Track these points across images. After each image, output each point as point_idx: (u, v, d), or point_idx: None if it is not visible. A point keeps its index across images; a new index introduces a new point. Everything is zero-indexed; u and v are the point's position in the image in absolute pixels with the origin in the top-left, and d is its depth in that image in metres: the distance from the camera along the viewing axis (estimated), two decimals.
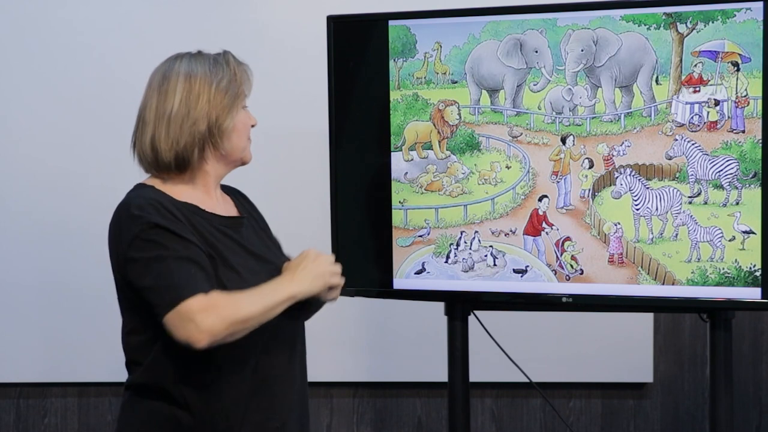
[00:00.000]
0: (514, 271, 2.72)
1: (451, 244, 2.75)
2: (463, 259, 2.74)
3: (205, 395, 2.04)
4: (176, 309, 1.92)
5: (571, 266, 2.67)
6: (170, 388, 2.03)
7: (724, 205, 2.54)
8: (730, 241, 2.54)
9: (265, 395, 2.09)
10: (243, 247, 2.11)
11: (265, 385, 2.08)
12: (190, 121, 2.05)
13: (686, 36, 2.53)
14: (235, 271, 2.05)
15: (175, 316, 1.92)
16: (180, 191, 2.09)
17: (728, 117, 2.52)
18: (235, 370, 2.05)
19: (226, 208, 2.17)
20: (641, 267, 2.61)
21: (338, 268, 2.14)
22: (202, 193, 2.12)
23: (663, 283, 2.59)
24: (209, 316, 1.91)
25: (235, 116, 2.10)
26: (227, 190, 2.25)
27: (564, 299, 2.68)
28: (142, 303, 2.00)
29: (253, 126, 2.18)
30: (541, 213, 2.68)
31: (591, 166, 2.64)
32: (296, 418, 2.16)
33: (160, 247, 1.97)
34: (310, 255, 2.11)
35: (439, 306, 2.85)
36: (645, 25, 2.56)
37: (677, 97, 2.56)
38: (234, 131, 2.10)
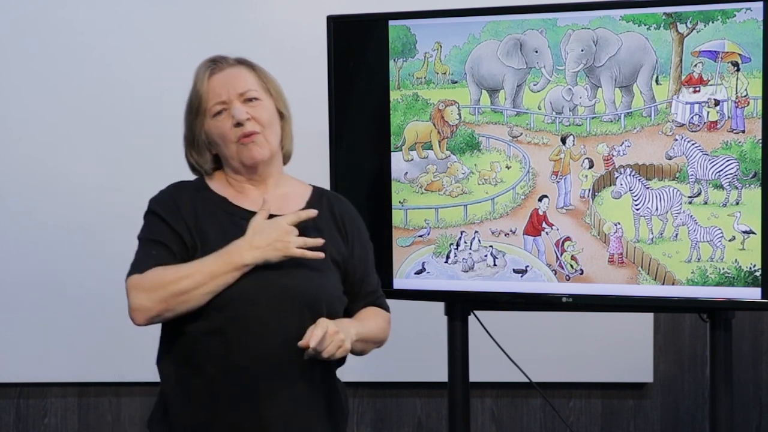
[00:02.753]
0: (514, 271, 2.72)
1: (451, 244, 2.75)
2: (463, 259, 2.74)
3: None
4: (126, 285, 2.08)
5: (571, 266, 2.67)
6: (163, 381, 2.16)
7: (724, 205, 2.54)
8: (730, 241, 2.54)
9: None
10: None
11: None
12: (183, 137, 2.25)
13: (686, 36, 2.53)
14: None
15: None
16: (218, 186, 2.22)
17: (728, 117, 2.52)
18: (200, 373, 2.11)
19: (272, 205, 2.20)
20: (641, 267, 2.61)
21: (296, 237, 2.10)
22: (234, 190, 2.21)
23: (663, 283, 2.59)
24: (138, 294, 2.04)
25: (206, 127, 2.19)
26: (319, 196, 2.27)
27: (564, 299, 2.68)
28: None
29: (238, 125, 2.16)
30: (541, 213, 2.68)
31: (591, 166, 2.64)
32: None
33: (145, 229, 2.16)
34: (272, 220, 2.13)
35: (439, 306, 2.85)
36: (645, 25, 2.56)
37: (677, 97, 2.56)
38: (214, 141, 2.20)
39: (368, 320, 2.23)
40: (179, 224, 2.13)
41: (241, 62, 2.22)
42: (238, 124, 2.15)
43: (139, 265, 2.08)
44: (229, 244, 2.07)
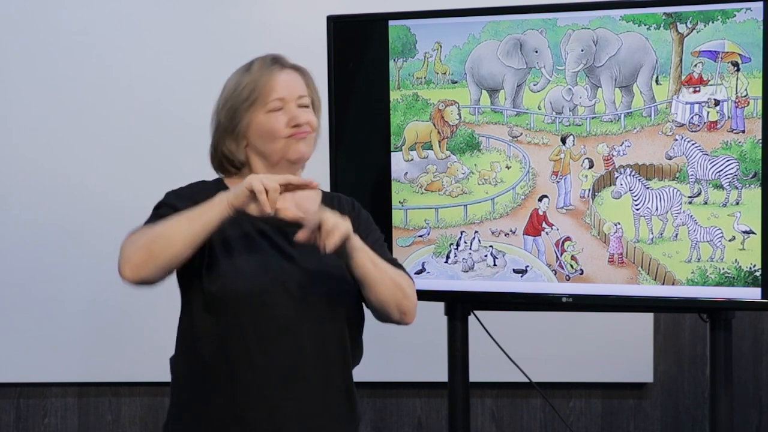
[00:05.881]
0: (514, 271, 2.72)
1: (451, 244, 2.75)
2: (463, 259, 2.74)
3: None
4: None
5: (571, 266, 2.67)
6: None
7: (724, 205, 2.54)
8: (730, 241, 2.54)
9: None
10: (274, 246, 2.13)
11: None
12: (220, 129, 2.19)
13: (686, 36, 2.53)
14: (230, 260, 2.09)
15: None
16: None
17: (728, 117, 2.52)
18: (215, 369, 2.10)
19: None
20: (641, 267, 2.61)
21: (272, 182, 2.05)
22: None
23: (663, 283, 2.59)
24: (124, 248, 2.02)
25: (256, 119, 2.15)
26: (330, 198, 2.27)
27: (564, 299, 2.68)
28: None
29: (296, 126, 2.17)
30: (541, 213, 2.68)
31: (591, 166, 2.64)
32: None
33: (152, 216, 2.12)
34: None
35: (439, 306, 2.85)
36: (645, 25, 2.56)
37: (677, 97, 2.56)
38: (258, 133, 2.16)
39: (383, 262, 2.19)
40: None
41: (298, 68, 2.24)
42: (296, 125, 2.17)
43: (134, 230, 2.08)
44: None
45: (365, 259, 2.09)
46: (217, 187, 2.18)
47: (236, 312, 2.07)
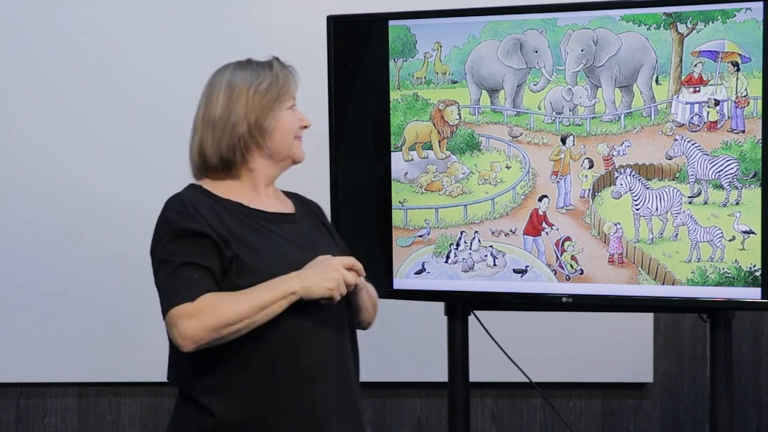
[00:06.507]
0: (514, 271, 2.72)
1: (451, 244, 2.75)
2: (463, 259, 2.74)
3: (226, 398, 2.08)
4: (168, 314, 2.03)
5: (571, 266, 2.67)
6: (196, 394, 2.10)
7: (724, 205, 2.54)
8: (730, 241, 2.54)
9: (291, 395, 2.10)
10: (287, 239, 2.16)
11: (289, 385, 2.10)
12: (230, 124, 2.16)
13: (686, 36, 2.53)
14: (260, 258, 2.10)
15: (167, 321, 2.04)
16: (227, 190, 2.18)
17: (728, 117, 2.52)
18: (253, 373, 2.08)
19: (277, 206, 2.23)
20: (641, 267, 2.61)
21: (351, 276, 2.11)
22: (249, 191, 2.20)
23: (663, 283, 2.59)
24: (190, 323, 2.00)
25: (278, 116, 2.18)
26: (298, 199, 2.31)
27: (564, 299, 2.68)
28: None
29: (305, 127, 2.23)
30: (541, 213, 2.68)
31: (591, 166, 2.64)
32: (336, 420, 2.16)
33: (174, 252, 2.06)
34: (321, 257, 2.13)
35: (439, 306, 2.85)
36: (645, 25, 2.56)
37: (677, 97, 2.56)
38: (276, 130, 2.18)
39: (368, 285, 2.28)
40: (206, 227, 2.07)
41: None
42: (305, 127, 2.23)
43: (184, 292, 2.02)
44: (285, 275, 2.06)
45: (362, 285, 2.18)
46: (206, 195, 2.15)
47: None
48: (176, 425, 2.15)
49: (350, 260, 2.12)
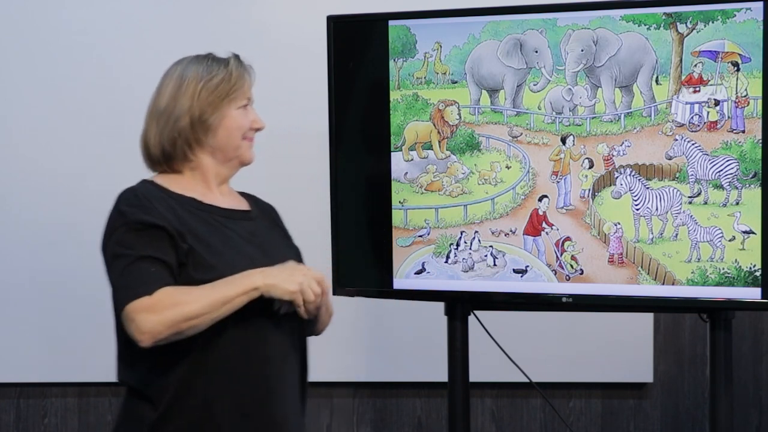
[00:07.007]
0: (514, 271, 2.72)
1: (451, 244, 2.75)
2: (463, 259, 2.74)
3: (179, 397, 2.06)
4: (125, 309, 2.00)
5: (571, 266, 2.67)
6: (141, 388, 2.08)
7: (724, 205, 2.54)
8: (730, 241, 2.54)
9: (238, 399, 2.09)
10: (242, 237, 2.14)
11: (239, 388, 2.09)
12: (174, 116, 2.14)
13: (686, 36, 2.53)
14: (217, 254, 2.07)
15: (124, 316, 2.01)
16: (179, 186, 2.16)
17: (728, 117, 2.52)
18: (210, 374, 2.06)
19: (232, 203, 2.21)
20: (641, 267, 2.61)
21: (317, 286, 2.07)
22: (202, 188, 2.18)
23: (663, 283, 2.59)
24: (149, 317, 1.97)
25: (225, 114, 2.15)
26: (254, 199, 2.29)
27: (564, 299, 2.68)
28: None
29: (258, 129, 2.21)
30: (541, 213, 2.68)
31: (591, 166, 2.64)
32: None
33: (130, 245, 2.04)
34: (292, 263, 2.11)
35: (439, 306, 2.85)
36: (645, 25, 2.56)
37: (677, 97, 2.56)
38: (221, 128, 2.15)
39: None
40: (161, 219, 2.05)
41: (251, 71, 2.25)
42: (258, 128, 2.20)
43: (142, 286, 2.00)
44: (250, 270, 2.05)
45: (323, 303, 2.16)
46: (159, 189, 2.13)
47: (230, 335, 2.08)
48: (125, 423, 2.12)
49: (321, 275, 2.09)
